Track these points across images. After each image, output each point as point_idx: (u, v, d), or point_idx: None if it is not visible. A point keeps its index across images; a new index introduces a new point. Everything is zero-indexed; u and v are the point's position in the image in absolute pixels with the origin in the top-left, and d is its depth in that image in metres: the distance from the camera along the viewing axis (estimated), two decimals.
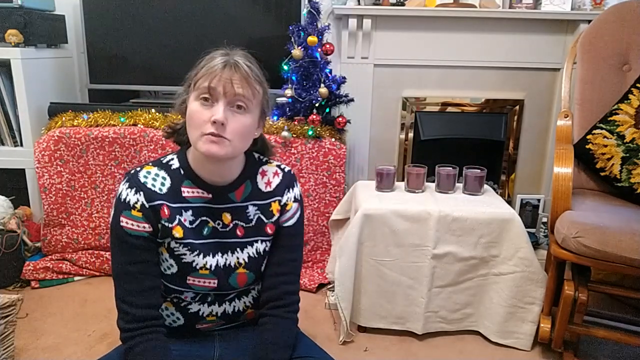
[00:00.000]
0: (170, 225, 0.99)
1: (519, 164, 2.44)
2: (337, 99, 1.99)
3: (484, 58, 2.29)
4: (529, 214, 2.36)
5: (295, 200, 1.10)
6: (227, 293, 1.10)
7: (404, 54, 2.28)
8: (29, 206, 2.03)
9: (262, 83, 0.99)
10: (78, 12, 2.15)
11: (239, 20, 2.14)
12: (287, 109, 2.00)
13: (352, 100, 2.01)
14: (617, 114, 1.63)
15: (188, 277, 1.03)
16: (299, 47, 1.91)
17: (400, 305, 1.62)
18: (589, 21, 1.98)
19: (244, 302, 1.14)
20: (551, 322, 1.51)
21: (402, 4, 2.23)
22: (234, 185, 1.04)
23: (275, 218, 1.08)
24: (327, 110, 2.01)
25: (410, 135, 2.39)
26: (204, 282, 1.04)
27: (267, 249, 1.09)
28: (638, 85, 1.63)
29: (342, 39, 2.25)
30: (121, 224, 0.96)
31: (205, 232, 1.03)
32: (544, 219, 2.31)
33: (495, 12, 2.21)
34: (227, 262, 1.05)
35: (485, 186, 1.75)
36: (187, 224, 1.01)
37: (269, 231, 1.08)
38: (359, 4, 2.19)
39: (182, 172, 1.02)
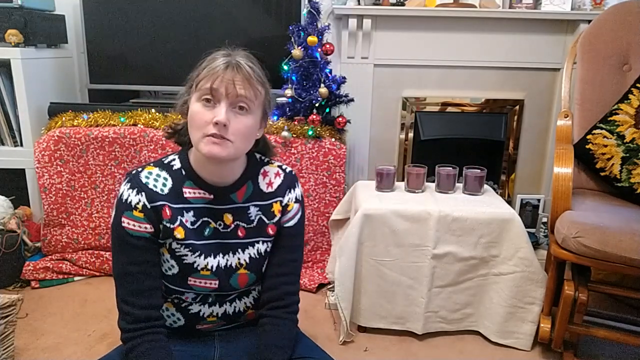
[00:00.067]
0: (171, 226, 0.99)
1: (519, 164, 2.44)
2: (337, 99, 1.99)
3: (484, 58, 2.29)
4: (529, 214, 2.36)
5: (297, 201, 1.10)
6: (228, 294, 1.10)
7: (404, 54, 2.28)
8: (29, 206, 2.03)
9: (264, 84, 0.99)
10: (78, 12, 2.15)
11: (239, 20, 2.14)
12: (287, 109, 2.00)
13: (352, 100, 2.01)
14: (617, 114, 1.63)
15: (189, 278, 1.03)
16: (299, 47, 1.91)
17: (400, 305, 1.62)
18: (589, 21, 1.98)
19: (245, 303, 1.14)
20: (551, 322, 1.51)
21: (402, 4, 2.23)
22: (236, 186, 1.04)
23: (276, 219, 1.08)
24: (327, 110, 2.01)
25: (410, 135, 2.39)
26: (205, 283, 1.04)
27: (268, 249, 1.09)
28: (638, 85, 1.63)
29: (342, 39, 2.25)
30: (122, 224, 0.96)
31: (206, 233, 1.03)
32: (544, 219, 2.31)
33: (495, 12, 2.21)
34: (228, 263, 1.05)
35: (485, 186, 1.75)
36: (188, 224, 1.01)
37: (270, 232, 1.08)
38: (359, 4, 2.19)
39: (183, 172, 1.02)
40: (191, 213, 1.01)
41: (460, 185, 1.76)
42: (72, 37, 2.26)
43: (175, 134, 1.09)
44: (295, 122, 1.96)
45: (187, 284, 1.03)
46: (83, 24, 2.15)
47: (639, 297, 1.53)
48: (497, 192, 2.01)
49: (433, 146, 2.35)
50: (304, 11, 2.02)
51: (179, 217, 1.00)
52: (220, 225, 1.04)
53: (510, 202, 2.40)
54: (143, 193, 0.97)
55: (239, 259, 1.06)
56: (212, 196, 1.03)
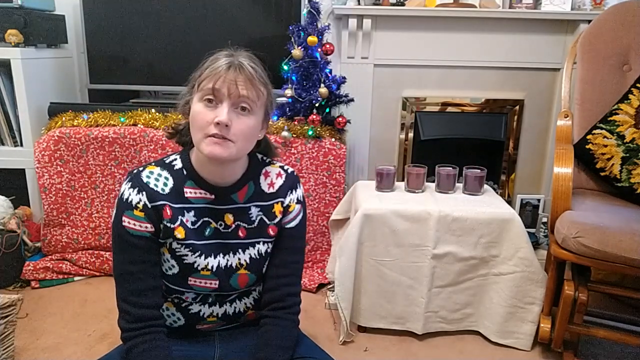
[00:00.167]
0: (172, 226, 0.99)
1: (519, 164, 2.44)
2: (337, 99, 1.99)
3: (484, 58, 2.29)
4: (529, 214, 2.36)
5: (298, 201, 1.10)
6: (228, 294, 1.10)
7: (404, 54, 2.28)
8: (29, 206, 2.03)
9: (267, 84, 0.99)
10: (78, 12, 2.15)
11: (239, 20, 2.14)
12: (287, 109, 2.00)
13: (352, 100, 2.01)
14: (617, 114, 1.63)
15: (189, 278, 1.03)
16: (299, 47, 1.91)
17: (400, 305, 1.62)
18: (589, 21, 1.98)
19: (245, 304, 1.14)
20: (551, 322, 1.51)
21: (402, 4, 2.23)
22: (237, 186, 1.04)
23: (277, 220, 1.08)
24: (327, 110, 2.01)
25: (410, 135, 2.39)
26: (205, 283, 1.04)
27: (268, 250, 1.09)
28: (638, 85, 1.63)
29: (342, 39, 2.25)
30: (123, 223, 0.96)
31: (207, 233, 1.03)
32: (544, 219, 2.31)
33: (495, 12, 2.21)
34: (229, 263, 1.05)
35: (485, 186, 1.75)
36: (189, 224, 1.01)
37: (271, 233, 1.08)
38: (359, 4, 2.19)
39: (184, 172, 1.02)
40: (192, 213, 1.01)
41: (460, 185, 1.76)
42: (72, 37, 2.26)
43: (176, 134, 1.09)
44: (295, 122, 1.96)
45: (188, 284, 1.03)
46: (83, 24, 2.15)
47: (639, 297, 1.53)
48: (497, 192, 2.01)
49: (433, 146, 2.35)
50: (304, 11, 2.02)
51: (180, 217, 1.00)
52: (221, 225, 1.04)
53: (510, 202, 2.40)
54: (144, 192, 0.97)
55: (239, 259, 1.06)
56: (213, 196, 1.02)
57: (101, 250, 1.99)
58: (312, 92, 1.95)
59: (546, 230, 2.28)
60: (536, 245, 2.23)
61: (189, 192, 1.01)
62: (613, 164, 1.62)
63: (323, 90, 1.91)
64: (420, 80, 2.33)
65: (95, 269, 1.99)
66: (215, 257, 1.04)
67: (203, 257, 1.02)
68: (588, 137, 1.67)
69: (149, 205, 0.97)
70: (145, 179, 0.98)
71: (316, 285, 1.93)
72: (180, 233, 0.99)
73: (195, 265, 1.02)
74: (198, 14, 2.13)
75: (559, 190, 1.47)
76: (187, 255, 1.01)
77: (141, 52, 2.18)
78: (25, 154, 1.97)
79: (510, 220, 1.55)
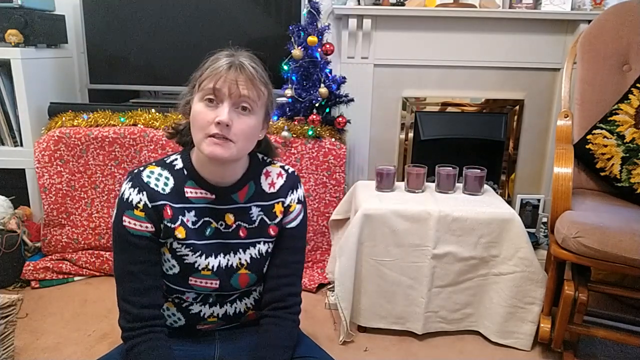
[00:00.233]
0: (172, 226, 0.99)
1: (519, 164, 2.44)
2: (337, 99, 1.99)
3: (484, 58, 2.29)
4: (529, 214, 2.36)
5: (299, 202, 1.10)
6: (229, 294, 1.10)
7: (404, 54, 2.28)
8: (29, 206, 2.03)
9: (267, 84, 0.99)
10: (78, 12, 2.15)
11: (239, 20, 2.14)
12: (287, 109, 2.00)
13: (352, 100, 2.01)
14: (617, 114, 1.63)
15: (190, 278, 1.03)
16: (299, 47, 1.91)
17: (400, 305, 1.62)
18: (589, 21, 1.98)
19: (246, 304, 1.14)
20: (551, 322, 1.51)
21: (402, 4, 2.23)
22: (238, 186, 1.04)
23: (278, 219, 1.08)
24: (327, 110, 2.01)
25: (410, 135, 2.39)
26: (206, 283, 1.04)
27: (269, 250, 1.09)
28: (638, 85, 1.63)
29: (342, 39, 2.25)
30: (124, 223, 0.96)
31: (207, 233, 1.03)
32: (544, 219, 2.31)
33: (495, 12, 2.21)
34: (229, 263, 1.05)
35: (485, 186, 1.75)
36: (189, 224, 1.01)
37: (272, 233, 1.08)
38: (359, 4, 2.19)
39: (185, 172, 1.02)
40: (192, 213, 1.01)
41: (460, 185, 1.77)
42: (72, 37, 2.26)
43: (177, 134, 1.09)
44: (295, 122, 1.96)
45: (188, 284, 1.03)
46: (83, 24, 2.15)
47: (639, 297, 1.53)
48: (497, 192, 2.01)
49: (433, 146, 2.35)
50: (304, 11, 2.02)
51: (180, 217, 1.00)
52: (221, 225, 1.04)
53: (510, 202, 2.40)
54: (144, 192, 0.97)
55: (239, 259, 1.06)
56: (213, 196, 1.02)
57: (101, 250, 1.99)
58: (312, 92, 1.95)
59: (546, 230, 2.28)
60: (536, 245, 2.23)
61: (189, 192, 1.01)
62: (613, 164, 1.62)
63: (323, 90, 1.91)
64: (420, 80, 2.34)
65: (95, 269, 1.99)
66: (215, 257, 1.04)
67: (204, 257, 1.02)
68: (588, 137, 1.67)
69: (150, 205, 0.97)
70: (145, 179, 0.98)
71: (316, 285, 1.93)
72: (180, 233, 0.99)
73: (196, 265, 1.02)
74: (198, 14, 2.13)
75: (559, 190, 1.47)
76: (187, 255, 1.01)
77: (141, 52, 2.18)
78: (25, 154, 1.97)
79: (510, 220, 1.55)
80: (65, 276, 1.95)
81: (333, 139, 1.96)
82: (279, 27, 2.10)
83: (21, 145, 2.00)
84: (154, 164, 1.03)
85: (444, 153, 2.27)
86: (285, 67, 1.97)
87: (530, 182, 2.46)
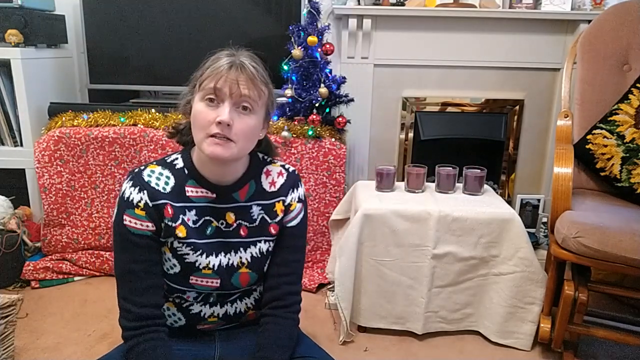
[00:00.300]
0: (173, 225, 0.99)
1: (519, 164, 2.44)
2: (337, 99, 1.99)
3: (484, 58, 2.29)
4: (529, 214, 2.36)
5: (299, 200, 1.10)
6: (230, 294, 1.10)
7: (404, 54, 2.28)
8: (29, 206, 2.02)
9: (268, 84, 0.99)
10: (78, 12, 2.15)
11: (239, 20, 2.14)
12: (287, 109, 2.00)
13: (352, 100, 2.01)
14: (617, 114, 1.63)
15: (191, 277, 1.03)
16: (299, 47, 1.91)
17: (400, 305, 1.62)
18: (589, 21, 1.98)
19: (246, 304, 1.14)
20: (551, 322, 1.51)
21: (402, 4, 2.23)
22: (238, 185, 1.04)
23: (279, 218, 1.08)
24: (327, 110, 2.01)
25: (410, 135, 2.39)
26: (207, 282, 1.04)
27: (270, 249, 1.09)
28: (638, 85, 1.64)
29: (342, 39, 2.25)
30: (124, 222, 0.96)
31: (208, 232, 1.03)
32: (544, 219, 2.31)
33: (495, 12, 2.21)
34: (230, 262, 1.05)
35: (485, 186, 1.75)
36: (190, 223, 1.01)
37: (273, 231, 1.08)
38: (359, 4, 2.19)
39: (186, 171, 1.02)
40: (193, 212, 1.01)
41: (460, 185, 1.77)
42: (72, 37, 2.26)
43: (177, 133, 1.09)
44: (295, 122, 1.96)
45: (189, 283, 1.03)
46: (83, 24, 2.15)
47: (639, 297, 1.53)
48: (497, 192, 2.01)
49: (433, 146, 2.35)
50: (304, 11, 2.02)
51: (181, 216, 1.00)
52: (222, 224, 1.04)
53: (510, 202, 2.40)
54: (145, 191, 0.97)
55: (240, 258, 1.06)
56: (214, 195, 1.03)
57: (101, 250, 1.99)
58: (312, 92, 1.95)
59: (546, 230, 2.28)
60: (536, 245, 2.23)
61: (190, 191, 1.01)
62: (613, 164, 1.62)
63: (323, 90, 1.91)
64: (420, 80, 2.34)
65: (95, 269, 1.99)
66: (216, 256, 1.04)
67: (204, 255, 1.02)
68: (588, 137, 1.67)
69: (150, 204, 0.97)
70: (146, 178, 0.99)
71: (316, 285, 1.93)
72: (181, 232, 0.99)
73: (197, 264, 1.02)
74: (198, 14, 2.13)
75: (559, 190, 1.47)
76: (188, 254, 1.01)
77: (141, 52, 2.18)
78: (25, 154, 1.97)
79: (510, 220, 1.55)
80: (65, 276, 1.95)
81: (333, 139, 1.96)
82: (279, 27, 2.10)
83: (21, 145, 2.00)
84: (154, 163, 1.03)
85: (444, 153, 2.27)
86: (285, 67, 1.97)
87: (530, 182, 2.46)
